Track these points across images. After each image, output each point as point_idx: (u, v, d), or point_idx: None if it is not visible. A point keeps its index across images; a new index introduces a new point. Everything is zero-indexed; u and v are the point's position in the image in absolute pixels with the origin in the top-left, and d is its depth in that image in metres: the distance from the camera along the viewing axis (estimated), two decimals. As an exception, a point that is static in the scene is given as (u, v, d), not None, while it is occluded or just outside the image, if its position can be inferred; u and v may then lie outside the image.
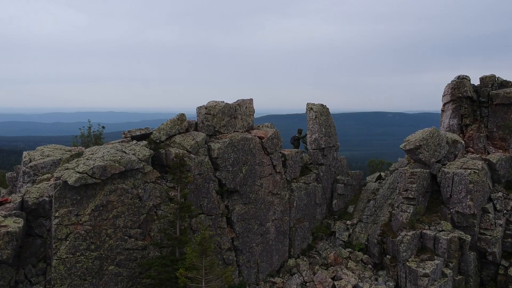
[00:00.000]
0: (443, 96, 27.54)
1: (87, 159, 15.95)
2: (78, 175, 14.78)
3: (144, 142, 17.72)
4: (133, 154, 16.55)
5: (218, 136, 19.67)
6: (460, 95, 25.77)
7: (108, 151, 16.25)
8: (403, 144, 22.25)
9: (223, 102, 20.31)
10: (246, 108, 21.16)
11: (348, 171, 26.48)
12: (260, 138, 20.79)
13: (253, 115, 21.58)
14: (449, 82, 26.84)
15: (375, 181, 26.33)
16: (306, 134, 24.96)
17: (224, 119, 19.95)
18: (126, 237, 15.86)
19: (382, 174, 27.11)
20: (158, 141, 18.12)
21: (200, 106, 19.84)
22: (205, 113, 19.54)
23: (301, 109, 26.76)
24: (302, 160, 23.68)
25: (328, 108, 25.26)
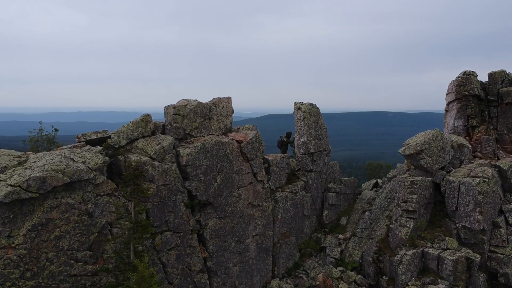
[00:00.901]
0: (447, 94, 24.96)
1: (26, 168, 13.42)
2: (9, 188, 12.29)
3: (99, 148, 15.15)
4: (82, 162, 14.04)
5: (189, 140, 17.16)
6: (466, 93, 23.29)
7: (52, 159, 13.72)
8: (402, 148, 19.72)
9: (196, 100, 17.77)
10: (223, 107, 18.60)
11: (341, 178, 23.98)
12: (239, 142, 18.26)
13: (231, 115, 19.03)
14: (454, 79, 24.26)
15: (371, 189, 23.82)
16: (294, 137, 22.41)
17: (196, 121, 17.40)
18: (72, 261, 13.44)
19: (379, 181, 24.50)
20: (117, 146, 15.58)
21: (168, 106, 17.27)
22: (174, 114, 16.99)
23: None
24: (289, 166, 21.21)
25: (318, 108, 22.73)
